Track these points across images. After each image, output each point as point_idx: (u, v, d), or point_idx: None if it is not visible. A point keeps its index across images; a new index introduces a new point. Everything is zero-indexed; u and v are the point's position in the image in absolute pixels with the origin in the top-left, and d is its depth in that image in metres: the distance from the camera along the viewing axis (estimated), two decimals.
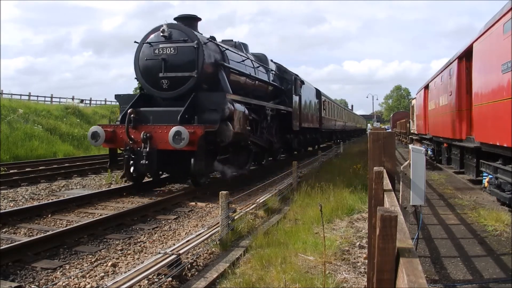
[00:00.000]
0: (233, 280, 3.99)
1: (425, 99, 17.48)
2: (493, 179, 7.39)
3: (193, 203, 8.21)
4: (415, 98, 24.65)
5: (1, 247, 4.73)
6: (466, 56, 9.77)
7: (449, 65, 11.58)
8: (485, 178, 8.00)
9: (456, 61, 10.44)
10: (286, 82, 15.73)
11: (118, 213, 6.64)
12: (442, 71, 12.85)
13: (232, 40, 12.96)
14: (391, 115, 60.14)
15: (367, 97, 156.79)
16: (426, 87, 16.87)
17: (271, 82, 14.36)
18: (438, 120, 13.65)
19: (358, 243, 5.20)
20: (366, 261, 3.98)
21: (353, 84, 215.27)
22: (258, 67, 13.28)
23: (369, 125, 66.65)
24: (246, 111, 10.02)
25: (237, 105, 9.49)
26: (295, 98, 15.90)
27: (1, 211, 6.64)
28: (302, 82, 17.62)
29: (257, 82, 12.74)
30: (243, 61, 11.89)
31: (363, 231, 5.71)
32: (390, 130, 28.63)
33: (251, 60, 12.79)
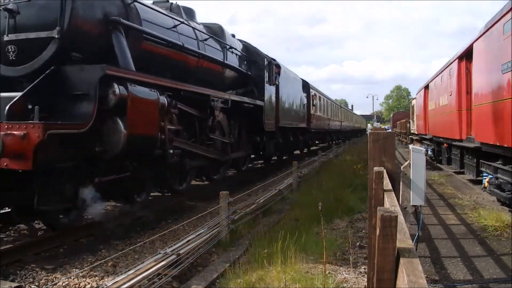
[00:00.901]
0: (233, 280, 3.99)
1: (425, 99, 17.48)
2: (493, 179, 7.39)
3: (193, 203, 8.21)
4: (415, 98, 24.65)
5: (1, 247, 4.73)
6: (466, 56, 9.78)
7: (449, 65, 11.58)
8: (485, 178, 8.00)
9: (456, 61, 10.44)
10: (257, 68, 11.84)
11: (118, 214, 6.64)
12: (442, 71, 12.85)
13: (167, 1, 8.90)
14: (391, 115, 60.15)
15: (367, 97, 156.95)
16: (426, 87, 16.88)
17: (228, 63, 10.02)
18: (438, 120, 13.66)
19: (358, 243, 5.20)
20: (366, 261, 3.98)
21: (353, 84, 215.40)
22: (206, 39, 9.01)
23: (369, 125, 66.70)
24: (164, 100, 6.28)
25: (139, 90, 5.74)
26: (270, 89, 12.29)
27: (1, 211, 6.63)
28: (280, 68, 13.82)
29: (201, 61, 8.55)
30: (176, 26, 7.77)
31: (363, 231, 5.72)
32: (390, 130, 28.67)
33: (193, 29, 8.54)
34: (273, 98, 12.76)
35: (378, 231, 1.54)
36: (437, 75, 13.86)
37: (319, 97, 22.70)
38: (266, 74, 12.05)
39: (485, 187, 8.00)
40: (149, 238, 5.42)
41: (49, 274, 4.33)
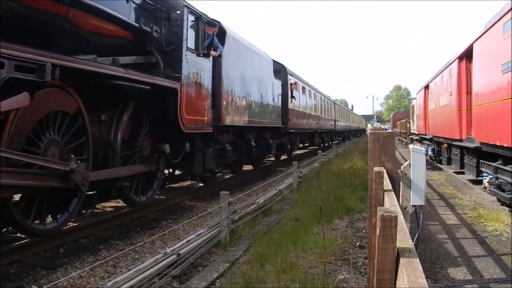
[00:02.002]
0: (233, 280, 3.99)
1: (425, 99, 17.49)
2: (493, 179, 7.40)
3: (193, 203, 8.21)
4: (415, 98, 24.66)
5: (1, 248, 4.73)
6: (466, 56, 9.79)
7: (449, 65, 11.59)
8: (485, 178, 8.00)
9: (457, 61, 10.45)
10: (172, 26, 7.06)
11: (119, 214, 6.65)
12: (442, 71, 12.86)
13: None
14: (391, 115, 60.22)
15: (367, 97, 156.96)
16: (426, 87, 16.88)
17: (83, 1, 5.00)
18: (438, 120, 13.66)
19: (358, 243, 5.20)
20: (366, 261, 3.98)
21: (353, 84, 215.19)
22: None
23: (369, 125, 66.78)
24: None
25: None
26: (197, 63, 7.44)
27: None
28: (225, 34, 8.91)
29: None
30: None
31: (363, 231, 5.72)
32: (390, 130, 28.57)
33: None
34: (207, 79, 7.83)
35: (378, 231, 1.54)
36: (437, 75, 13.87)
37: (303, 88, 17.50)
38: (188, 36, 7.08)
39: (485, 187, 8.01)
40: (149, 238, 5.43)
41: (49, 274, 4.33)
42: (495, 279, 4.18)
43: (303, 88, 17.59)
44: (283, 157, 17.32)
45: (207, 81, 7.98)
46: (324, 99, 24.48)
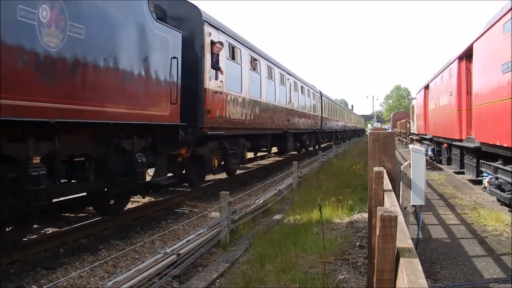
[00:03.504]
0: (232, 280, 3.99)
1: (425, 99, 17.50)
2: (493, 179, 7.41)
3: (193, 203, 8.21)
4: (415, 98, 24.67)
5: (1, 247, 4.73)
6: (466, 56, 9.79)
7: (449, 65, 11.59)
8: (485, 178, 8.01)
9: (456, 61, 10.45)
10: None
11: (118, 214, 6.64)
12: (442, 71, 12.86)
13: None
14: (391, 115, 60.28)
15: (367, 97, 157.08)
16: (426, 87, 16.89)
17: None
18: (438, 120, 13.67)
19: (358, 243, 5.20)
20: (366, 261, 3.98)
21: (353, 84, 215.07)
22: None
23: (369, 125, 66.90)
24: None
25: None
26: None
27: None
28: None
29: None
30: None
31: (363, 231, 5.72)
32: (390, 130, 28.39)
33: None
34: None
35: (378, 231, 1.54)
36: (437, 75, 13.87)
37: (254, 61, 10.85)
38: None
39: (485, 187, 8.01)
40: (149, 238, 5.43)
41: (49, 274, 4.34)
42: (495, 279, 4.18)
43: (254, 60, 10.80)
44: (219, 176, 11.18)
45: None
46: (302, 87, 17.33)
